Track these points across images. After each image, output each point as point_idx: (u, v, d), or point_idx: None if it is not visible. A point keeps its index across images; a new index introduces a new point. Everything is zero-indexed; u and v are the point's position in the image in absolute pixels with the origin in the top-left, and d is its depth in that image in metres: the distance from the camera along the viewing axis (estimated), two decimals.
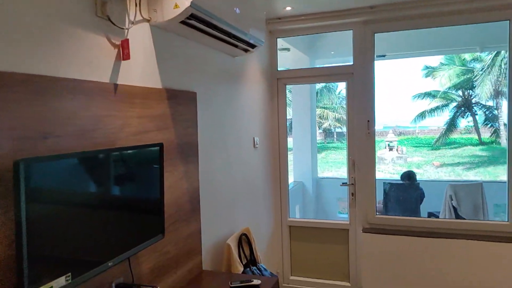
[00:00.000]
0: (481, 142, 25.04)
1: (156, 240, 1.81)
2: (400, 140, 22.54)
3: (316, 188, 5.95)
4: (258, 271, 2.63)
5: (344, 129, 33.47)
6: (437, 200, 5.16)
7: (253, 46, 2.83)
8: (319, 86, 28.21)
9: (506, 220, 3.20)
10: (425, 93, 27.55)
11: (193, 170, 2.33)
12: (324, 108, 28.01)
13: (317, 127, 26.18)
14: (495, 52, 14.40)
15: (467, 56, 23.16)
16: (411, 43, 5.25)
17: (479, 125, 26.22)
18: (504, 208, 3.52)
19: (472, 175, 14.97)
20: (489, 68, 14.67)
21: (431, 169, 17.07)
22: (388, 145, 19.89)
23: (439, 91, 26.33)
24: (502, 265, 3.08)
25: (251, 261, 2.74)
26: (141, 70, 1.92)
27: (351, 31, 3.50)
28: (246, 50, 2.85)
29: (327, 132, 33.86)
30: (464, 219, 4.65)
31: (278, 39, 3.78)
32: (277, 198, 3.85)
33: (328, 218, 5.87)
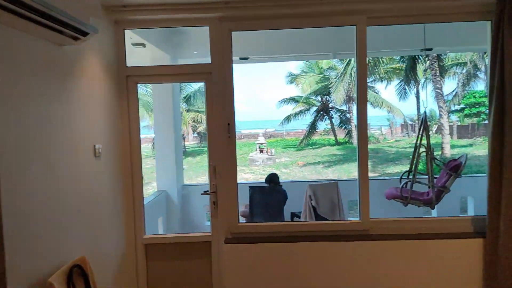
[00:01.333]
0: (337, 142, 28.08)
1: None
2: (269, 142, 23.70)
3: (182, 197, 5.56)
4: None
5: None
6: (299, 201, 5.31)
7: (84, 33, 2.31)
8: (192, 88, 27.89)
9: (358, 218, 3.32)
10: (289, 98, 29.70)
11: None
12: (198, 112, 27.80)
13: (190, 130, 25.70)
14: (347, 60, 16.16)
15: (324, 65, 25.71)
16: (272, 46, 5.29)
17: (335, 127, 29.42)
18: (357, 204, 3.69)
19: (331, 173, 16.49)
20: (342, 76, 16.38)
21: (296, 169, 18.27)
22: (259, 147, 20.67)
23: (301, 96, 28.67)
24: (359, 262, 3.18)
25: None
26: None
27: (208, 27, 3.23)
28: (75, 38, 2.32)
29: (203, 136, 33.76)
30: (323, 218, 4.84)
31: (126, 30, 3.29)
32: (129, 214, 3.34)
33: (195, 229, 5.54)
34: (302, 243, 3.20)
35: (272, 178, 5.10)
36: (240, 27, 3.23)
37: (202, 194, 3.44)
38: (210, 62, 3.28)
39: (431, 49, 5.31)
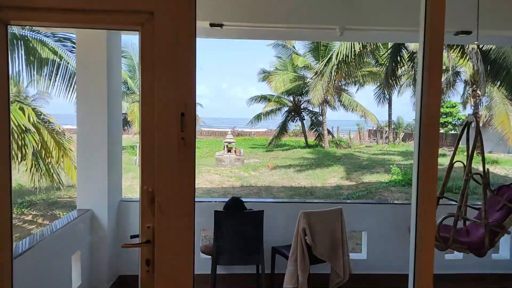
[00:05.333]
0: (307, 145, 26.95)
1: None
2: (237, 141, 22.14)
3: (117, 219, 3.87)
4: None
5: None
6: (279, 227, 3.79)
7: None
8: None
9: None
10: (261, 96, 28.25)
11: None
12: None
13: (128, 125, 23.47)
14: (328, 57, 14.87)
15: (300, 63, 24.45)
16: (257, 10, 3.74)
17: (306, 129, 28.31)
18: None
19: (303, 179, 15.16)
20: (321, 75, 15.09)
21: (266, 172, 16.82)
22: (227, 146, 19.04)
23: (274, 95, 27.30)
24: None
25: None
26: None
27: None
28: None
29: None
30: (319, 260, 3.36)
31: None
32: None
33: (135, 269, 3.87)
34: None
35: (235, 206, 3.54)
36: None
37: (123, 246, 1.81)
38: None
39: (469, 32, 3.92)
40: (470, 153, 2.98)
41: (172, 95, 1.73)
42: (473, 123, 3.08)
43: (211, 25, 3.85)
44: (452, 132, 29.64)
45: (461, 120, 31.68)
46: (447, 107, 27.84)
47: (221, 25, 3.86)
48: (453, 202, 3.55)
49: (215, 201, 4.30)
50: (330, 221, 3.37)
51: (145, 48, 1.73)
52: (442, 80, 20.41)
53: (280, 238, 3.76)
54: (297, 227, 3.29)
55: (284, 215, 3.93)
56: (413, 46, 14.37)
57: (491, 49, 10.45)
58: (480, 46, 10.49)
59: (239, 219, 3.48)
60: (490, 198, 3.23)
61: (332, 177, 15.59)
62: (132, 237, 1.92)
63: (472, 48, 10.84)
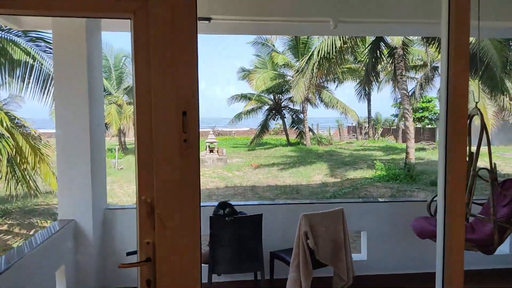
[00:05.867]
0: (289, 143, 26.90)
1: None
2: (218, 140, 21.85)
3: (103, 228, 3.60)
4: None
5: None
6: (274, 231, 3.61)
7: None
8: (124, 69, 25.17)
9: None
10: (241, 95, 28.02)
11: None
12: None
13: (131, 125, 23.12)
14: (310, 54, 14.77)
15: (280, 60, 24.35)
16: (245, 4, 3.54)
17: (287, 127, 28.27)
18: None
19: (288, 177, 15.04)
20: (303, 72, 14.99)
21: (250, 171, 16.62)
22: (209, 146, 18.74)
23: (254, 93, 27.12)
24: None
25: None
26: None
27: None
28: None
29: None
30: (321, 264, 3.19)
31: None
32: None
33: (123, 283, 3.61)
34: None
35: (225, 212, 3.30)
36: None
37: (121, 266, 1.58)
38: None
39: None
40: (476, 147, 2.87)
41: (171, 92, 1.52)
42: (477, 116, 2.98)
43: (199, 19, 3.63)
44: (429, 126, 30.18)
45: (437, 115, 32.30)
46: (423, 102, 28.33)
47: (209, 19, 3.65)
48: None
49: (203, 205, 4.08)
50: (331, 222, 3.21)
51: (138, 38, 1.51)
52: (420, 75, 20.68)
53: (278, 242, 3.57)
54: (298, 231, 3.11)
55: (280, 218, 3.75)
56: (395, 40, 14.41)
57: (470, 42, 10.59)
58: None
59: (237, 225, 3.27)
60: (495, 192, 3.14)
61: (316, 174, 15.53)
62: (129, 254, 1.69)
63: None
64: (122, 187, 13.74)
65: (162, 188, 1.54)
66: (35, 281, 2.65)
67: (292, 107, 27.24)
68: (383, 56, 15.09)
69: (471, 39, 10.95)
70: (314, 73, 14.26)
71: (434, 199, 3.35)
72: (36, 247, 2.71)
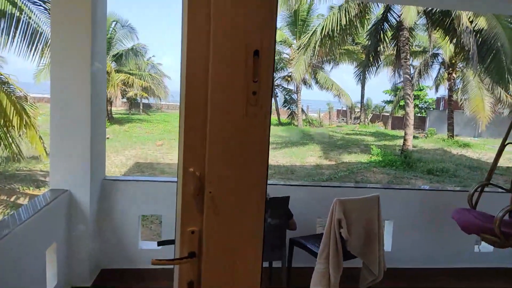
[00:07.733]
0: (280, 123, 26.49)
1: None
2: None
3: (100, 201, 3.14)
4: None
5: (152, 100, 30.32)
6: (301, 216, 3.22)
7: None
8: (124, 46, 24.31)
9: None
10: None
11: None
12: (130, 74, 24.29)
13: (118, 93, 22.42)
14: (313, 30, 14.18)
15: (277, 37, 23.62)
16: None
17: (279, 107, 27.81)
18: None
19: (281, 157, 14.69)
20: (305, 48, 14.41)
21: None
22: None
23: None
24: None
25: None
26: None
27: None
28: None
29: (133, 102, 29.99)
30: (351, 256, 2.83)
31: None
32: None
33: (124, 260, 3.18)
34: None
35: None
36: None
37: (154, 262, 1.15)
38: None
39: None
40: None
41: (237, 18, 1.05)
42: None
43: None
44: (419, 115, 30.13)
45: (427, 103, 32.26)
46: (415, 90, 28.22)
47: None
48: (500, 190, 3.11)
49: None
50: (366, 210, 2.83)
51: None
52: (419, 62, 20.35)
53: (298, 228, 3.18)
54: (330, 218, 2.71)
55: (301, 201, 3.35)
56: (407, 20, 13.75)
57: (482, 29, 10.18)
58: (472, 26, 10.18)
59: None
60: None
61: (310, 155, 15.23)
62: (161, 243, 1.25)
63: (466, 27, 10.52)
64: (109, 158, 13.18)
65: (218, 159, 1.10)
66: (22, 260, 2.20)
67: (285, 86, 26.69)
68: (386, 38, 14.60)
69: (483, 24, 10.38)
70: (315, 51, 13.72)
71: (477, 189, 3.00)
72: (25, 221, 2.25)
